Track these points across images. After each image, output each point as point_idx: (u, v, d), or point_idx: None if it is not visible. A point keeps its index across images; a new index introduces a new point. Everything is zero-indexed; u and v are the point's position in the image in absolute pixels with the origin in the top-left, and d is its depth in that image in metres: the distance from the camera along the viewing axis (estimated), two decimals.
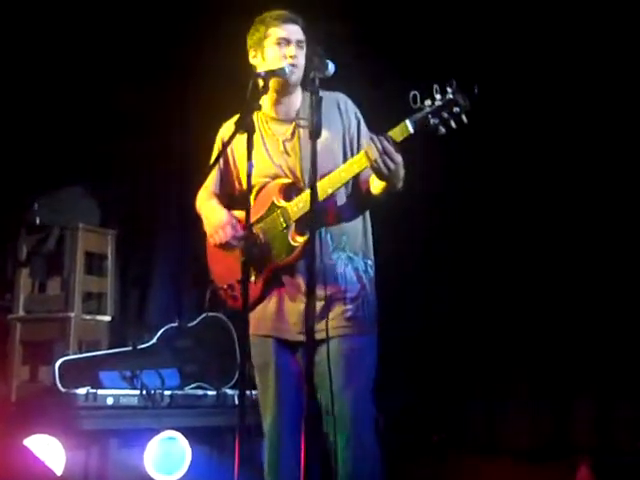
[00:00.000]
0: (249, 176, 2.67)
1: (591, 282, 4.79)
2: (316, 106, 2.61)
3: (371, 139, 2.73)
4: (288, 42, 2.92)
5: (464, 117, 2.63)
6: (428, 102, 2.65)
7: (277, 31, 2.93)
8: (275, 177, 2.97)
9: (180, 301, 5.76)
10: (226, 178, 3.13)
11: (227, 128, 3.10)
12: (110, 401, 4.21)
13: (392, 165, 2.72)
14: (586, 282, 4.80)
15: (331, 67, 2.74)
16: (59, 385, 4.30)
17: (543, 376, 5.00)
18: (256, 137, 2.86)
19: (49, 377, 4.77)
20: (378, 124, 2.85)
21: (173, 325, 4.89)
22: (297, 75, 2.94)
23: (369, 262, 2.99)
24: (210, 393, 4.60)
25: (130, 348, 4.73)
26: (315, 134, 2.60)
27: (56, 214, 5.28)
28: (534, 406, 5.03)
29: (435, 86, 2.63)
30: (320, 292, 2.79)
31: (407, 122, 2.69)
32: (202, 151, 3.20)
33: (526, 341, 5.01)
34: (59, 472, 3.87)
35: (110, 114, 5.75)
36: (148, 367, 4.56)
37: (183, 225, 5.86)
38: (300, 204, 2.86)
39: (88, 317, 5.19)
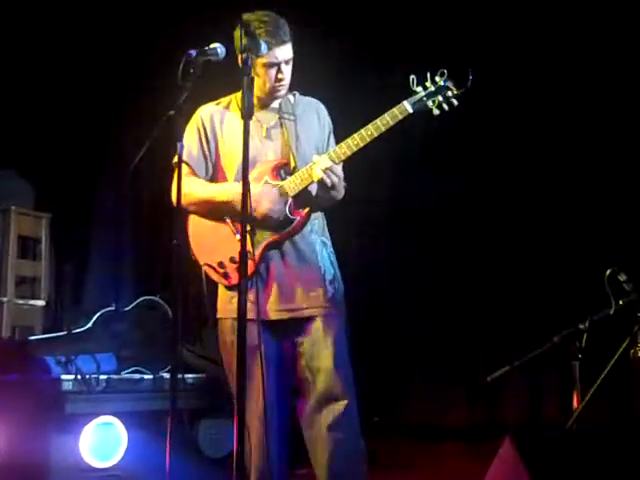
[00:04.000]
0: (180, 157, 2.66)
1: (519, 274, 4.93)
2: (247, 88, 2.63)
3: (317, 157, 2.99)
4: (278, 65, 3.02)
5: (455, 101, 2.98)
6: (420, 88, 2.98)
7: (268, 55, 2.99)
8: (256, 159, 3.08)
9: (117, 285, 5.70)
10: (208, 161, 3.16)
11: (206, 111, 3.16)
12: None
13: (335, 179, 2.99)
14: (512, 274, 4.94)
15: (264, 48, 2.79)
16: None
17: (477, 358, 5.10)
18: (238, 122, 3.03)
19: None
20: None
21: (109, 309, 4.83)
22: (284, 89, 3.10)
23: (332, 250, 3.18)
24: (147, 377, 4.56)
25: (65, 333, 4.67)
26: (247, 114, 2.63)
27: None
28: (467, 388, 5.13)
29: (427, 74, 2.97)
30: (304, 270, 3.04)
31: (405, 103, 2.97)
32: (137, 133, 3.15)
33: (460, 324, 5.10)
34: None
35: (45, 97, 5.65)
36: (83, 352, 4.50)
37: (119, 208, 5.81)
38: (297, 180, 3.04)
39: (21, 302, 5.11)
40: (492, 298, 5.03)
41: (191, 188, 3.09)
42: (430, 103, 2.98)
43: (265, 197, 3.03)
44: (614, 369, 3.12)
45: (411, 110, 2.97)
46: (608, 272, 3.16)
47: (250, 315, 2.94)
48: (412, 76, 2.99)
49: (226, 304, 3.07)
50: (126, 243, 5.85)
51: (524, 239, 4.95)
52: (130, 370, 4.59)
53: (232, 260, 3.01)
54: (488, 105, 4.83)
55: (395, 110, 2.97)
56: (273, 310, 3.04)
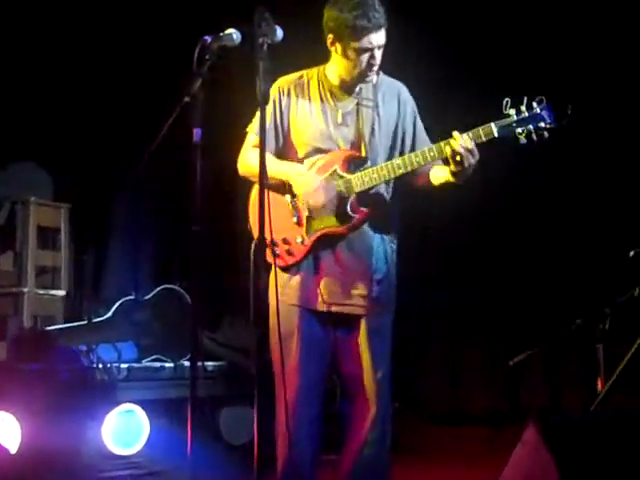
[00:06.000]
0: (196, 143, 2.63)
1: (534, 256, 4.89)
2: (264, 75, 2.59)
3: (458, 135, 2.83)
4: (371, 50, 2.90)
5: (546, 133, 2.80)
6: (513, 111, 2.81)
7: (362, 40, 2.88)
8: (326, 145, 3.01)
9: (136, 274, 5.72)
10: (279, 134, 3.08)
11: (285, 83, 3.08)
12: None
13: (472, 161, 2.83)
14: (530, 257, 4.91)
15: (279, 33, 2.72)
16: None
17: (496, 343, 5.08)
18: (315, 102, 3.01)
19: (3, 353, 4.73)
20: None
21: (129, 298, 4.85)
22: (374, 74, 2.98)
23: (394, 245, 3.08)
24: (168, 365, 4.59)
25: (85, 322, 4.69)
26: (263, 100, 2.59)
27: (6, 188, 5.20)
28: (488, 373, 5.11)
29: (525, 99, 2.81)
30: (353, 266, 2.95)
31: (493, 125, 2.83)
32: (156, 119, 3.11)
33: (481, 308, 5.08)
34: (13, 449, 3.83)
35: (63, 87, 5.66)
36: (104, 341, 4.53)
37: (138, 197, 5.81)
38: (366, 178, 2.94)
39: (42, 292, 5.14)
40: (513, 281, 5.00)
41: (253, 161, 2.99)
42: (519, 130, 2.81)
43: (321, 191, 2.94)
44: (638, 352, 3.09)
45: (496, 134, 2.82)
46: (632, 253, 3.11)
47: (294, 301, 2.96)
48: (507, 99, 2.81)
49: (274, 287, 2.95)
50: (145, 232, 5.86)
51: (547, 222, 4.91)
52: (151, 358, 4.61)
53: (285, 241, 2.97)
54: None
55: (480, 130, 2.83)
56: (318, 301, 2.98)
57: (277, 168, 3.01)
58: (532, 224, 4.97)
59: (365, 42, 2.88)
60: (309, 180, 2.96)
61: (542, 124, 2.80)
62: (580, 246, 4.77)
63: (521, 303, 4.98)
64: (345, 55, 2.93)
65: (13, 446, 3.87)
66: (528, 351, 3.35)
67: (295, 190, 2.98)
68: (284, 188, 2.99)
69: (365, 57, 2.91)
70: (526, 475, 2.22)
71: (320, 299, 2.97)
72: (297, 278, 2.98)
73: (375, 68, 2.96)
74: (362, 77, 2.98)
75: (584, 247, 4.75)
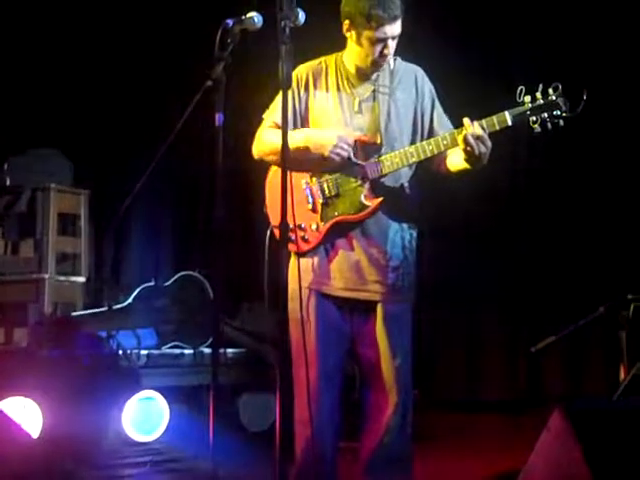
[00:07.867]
0: (217, 128, 2.61)
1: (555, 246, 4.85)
2: (287, 57, 2.56)
3: (469, 123, 2.80)
4: (385, 40, 2.88)
5: (561, 121, 2.76)
6: (528, 98, 2.78)
7: (377, 30, 2.85)
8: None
9: (156, 260, 5.73)
10: (298, 121, 3.05)
11: (303, 70, 3.06)
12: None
13: (484, 149, 2.79)
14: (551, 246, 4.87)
15: (301, 16, 2.70)
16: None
17: (517, 329, 5.06)
18: (332, 90, 3.00)
19: (24, 339, 4.75)
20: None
21: (149, 285, 4.86)
22: (386, 63, 2.97)
23: (414, 233, 3.05)
24: (187, 352, 4.60)
25: (105, 308, 4.71)
26: (286, 84, 2.56)
27: (27, 174, 5.20)
28: (508, 359, 5.09)
29: (540, 86, 2.77)
30: (369, 252, 2.93)
31: (507, 114, 2.80)
32: (175, 106, 3.10)
33: (502, 295, 5.06)
34: (35, 435, 3.85)
35: (82, 74, 5.67)
36: (124, 327, 4.54)
37: (158, 183, 5.81)
38: (379, 166, 2.93)
39: (62, 278, 5.15)
40: (534, 267, 4.97)
41: (271, 138, 3.00)
42: (534, 119, 2.78)
43: (347, 138, 2.92)
44: None
45: (510, 123, 2.79)
46: None
47: (308, 284, 2.94)
48: (521, 86, 2.78)
49: (292, 270, 2.97)
50: (165, 218, 5.87)
51: (572, 207, 4.87)
52: (170, 345, 4.62)
53: (300, 227, 2.97)
54: None
55: (494, 119, 2.81)
56: (333, 286, 2.97)
57: (291, 137, 2.89)
58: (556, 209, 4.93)
59: (379, 32, 2.85)
60: (327, 138, 2.92)
61: (557, 112, 2.75)
62: (605, 232, 4.72)
63: (543, 289, 4.94)
64: (359, 43, 2.92)
65: (35, 431, 3.89)
66: (550, 338, 3.31)
67: (314, 150, 2.93)
68: (298, 159, 2.91)
69: (379, 47, 2.88)
70: (553, 462, 2.20)
71: (335, 284, 2.96)
72: (312, 262, 2.97)
73: (388, 58, 2.93)
74: (375, 66, 2.95)
75: (609, 233, 4.70)
